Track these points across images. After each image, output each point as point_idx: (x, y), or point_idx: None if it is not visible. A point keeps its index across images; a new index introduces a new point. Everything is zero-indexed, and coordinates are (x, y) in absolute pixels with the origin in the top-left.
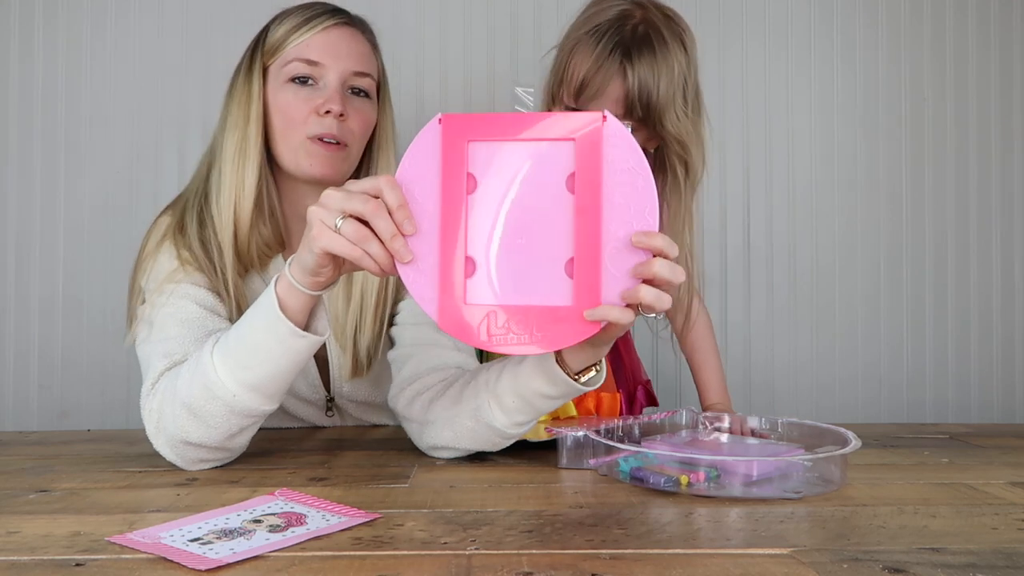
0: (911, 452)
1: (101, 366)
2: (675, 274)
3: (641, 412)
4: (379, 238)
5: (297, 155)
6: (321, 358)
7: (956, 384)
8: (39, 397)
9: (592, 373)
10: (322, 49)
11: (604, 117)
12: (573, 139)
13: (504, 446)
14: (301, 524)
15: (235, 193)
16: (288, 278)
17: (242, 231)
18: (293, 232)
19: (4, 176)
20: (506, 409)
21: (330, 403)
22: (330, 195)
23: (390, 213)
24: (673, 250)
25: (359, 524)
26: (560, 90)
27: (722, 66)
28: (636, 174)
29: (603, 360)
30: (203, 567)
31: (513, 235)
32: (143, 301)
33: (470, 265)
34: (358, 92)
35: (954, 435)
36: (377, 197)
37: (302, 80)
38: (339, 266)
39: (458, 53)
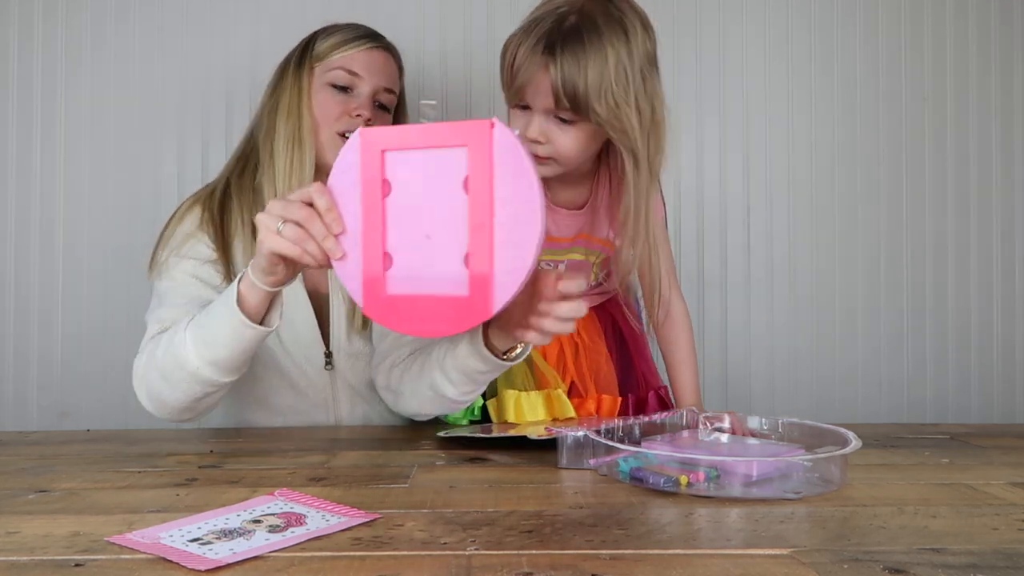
0: (911, 452)
1: (101, 366)
2: (575, 312)
3: None
4: (314, 238)
5: (326, 148)
6: (323, 314)
7: (956, 384)
8: (39, 397)
9: (518, 350)
10: (363, 64)
11: (492, 124)
12: (466, 146)
13: (462, 408)
14: (301, 524)
15: (289, 169)
16: (249, 276)
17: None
18: None
19: (4, 176)
20: (454, 383)
21: (328, 357)
22: (272, 204)
23: (322, 216)
24: (576, 287)
25: (358, 524)
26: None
27: (722, 66)
28: (520, 175)
29: (521, 347)
30: (203, 567)
31: (421, 232)
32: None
33: (388, 260)
34: (382, 107)
35: (954, 435)
36: (311, 204)
37: (341, 88)
38: (290, 265)
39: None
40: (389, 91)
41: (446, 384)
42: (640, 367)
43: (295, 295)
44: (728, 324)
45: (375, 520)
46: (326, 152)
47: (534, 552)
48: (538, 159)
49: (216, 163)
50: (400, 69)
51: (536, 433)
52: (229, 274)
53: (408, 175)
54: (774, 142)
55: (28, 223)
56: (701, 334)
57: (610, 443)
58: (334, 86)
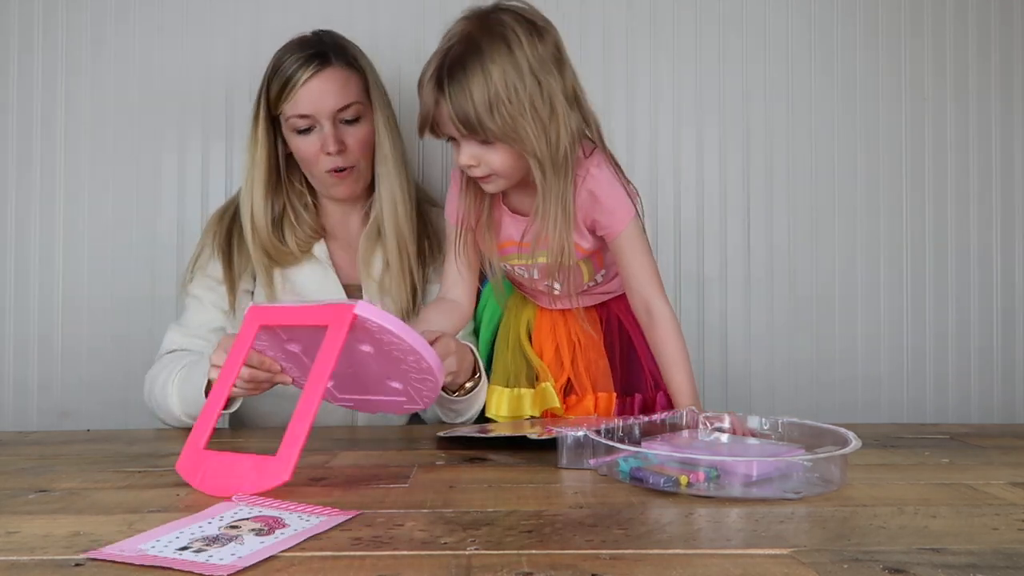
0: (911, 452)
1: (101, 366)
2: None
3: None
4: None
5: (323, 184)
6: None
7: (956, 384)
8: (39, 397)
9: (468, 384)
10: (309, 101)
11: (354, 310)
12: (327, 326)
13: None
14: (283, 526)
15: (250, 211)
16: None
17: (261, 237)
18: (331, 224)
19: (3, 176)
20: (440, 409)
21: None
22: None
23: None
24: None
25: (344, 521)
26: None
27: (722, 67)
28: (393, 345)
29: (471, 382)
30: (224, 573)
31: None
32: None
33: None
34: (351, 122)
35: (954, 435)
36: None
37: (304, 130)
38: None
39: None
40: (345, 107)
41: (436, 409)
42: (648, 366)
43: (331, 287)
44: (728, 324)
45: (356, 517)
46: (325, 189)
47: (534, 552)
48: (480, 179)
49: (216, 163)
50: (353, 67)
51: (536, 433)
52: (233, 300)
53: (295, 348)
54: (774, 142)
55: (28, 223)
56: (701, 334)
57: (610, 443)
58: (298, 132)
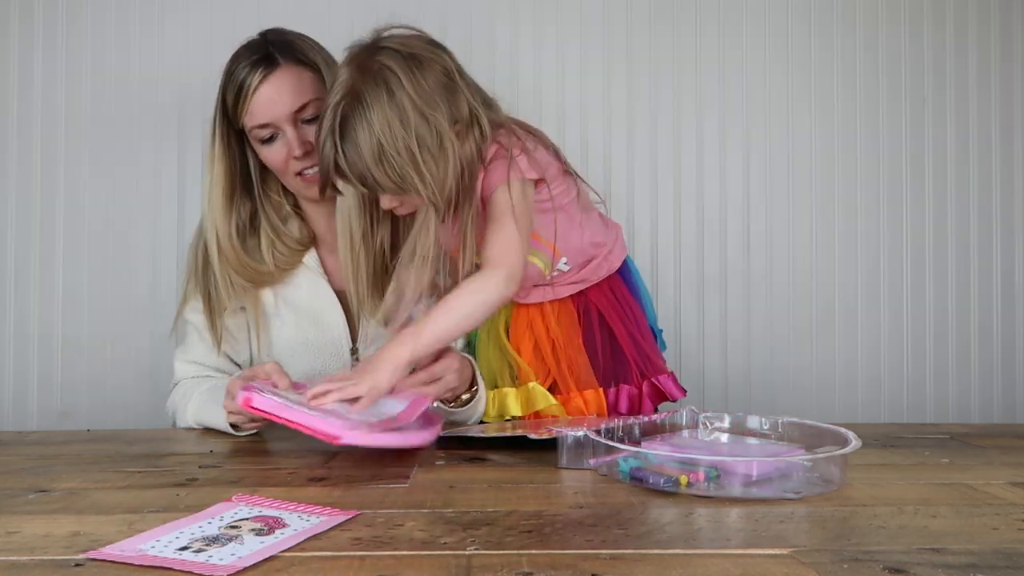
0: (911, 452)
1: (101, 366)
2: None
3: (651, 407)
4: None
5: (298, 189)
6: (350, 310)
7: (957, 383)
8: (39, 397)
9: (464, 396)
10: (264, 109)
11: (338, 441)
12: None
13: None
14: (283, 526)
15: (215, 234)
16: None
17: (229, 259)
18: (317, 229)
19: (3, 176)
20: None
21: (354, 353)
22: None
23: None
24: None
25: (344, 521)
26: None
27: (722, 67)
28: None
29: (468, 394)
30: (224, 573)
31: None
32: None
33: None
34: (311, 121)
35: (954, 435)
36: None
37: (268, 139)
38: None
39: None
40: (303, 107)
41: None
42: (632, 356)
43: (324, 295)
44: (728, 324)
45: (356, 517)
46: (299, 191)
47: (534, 552)
48: (412, 213)
49: None
50: (302, 64)
51: (536, 433)
52: (216, 338)
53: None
54: (774, 142)
55: (28, 223)
56: (701, 334)
57: (610, 443)
58: (263, 141)
